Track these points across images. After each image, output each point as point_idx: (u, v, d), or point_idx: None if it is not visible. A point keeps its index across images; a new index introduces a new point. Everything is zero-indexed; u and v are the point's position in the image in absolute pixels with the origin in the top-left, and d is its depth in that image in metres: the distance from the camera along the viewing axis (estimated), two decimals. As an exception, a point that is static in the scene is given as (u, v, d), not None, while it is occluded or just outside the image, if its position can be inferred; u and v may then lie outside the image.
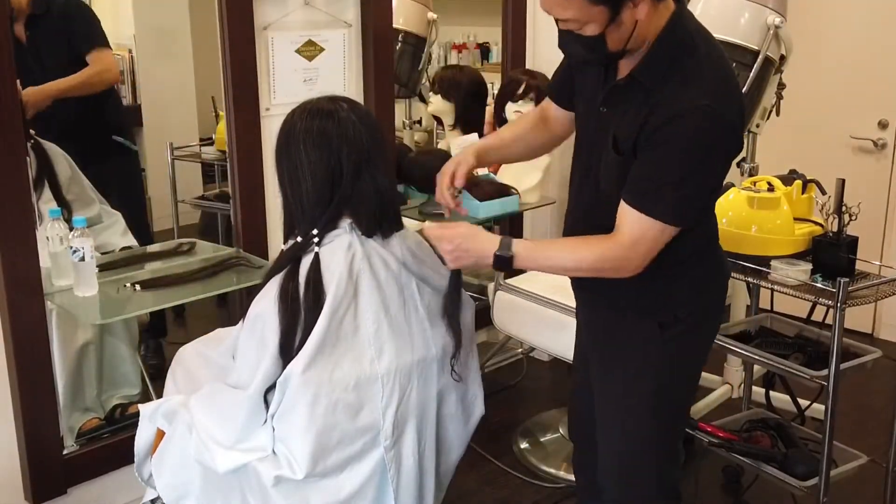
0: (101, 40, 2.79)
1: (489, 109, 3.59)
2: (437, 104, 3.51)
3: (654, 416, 1.84)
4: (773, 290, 2.37)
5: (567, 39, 1.63)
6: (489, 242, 1.68)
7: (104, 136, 2.92)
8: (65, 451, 2.38)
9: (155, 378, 2.65)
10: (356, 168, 1.70)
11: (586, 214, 1.81)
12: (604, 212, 1.68)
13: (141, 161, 3.15)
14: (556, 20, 1.62)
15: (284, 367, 1.65)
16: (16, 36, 2.71)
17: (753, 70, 2.61)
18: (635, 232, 1.61)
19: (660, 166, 1.58)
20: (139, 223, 2.92)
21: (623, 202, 1.62)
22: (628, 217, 1.61)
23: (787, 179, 2.43)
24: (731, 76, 1.66)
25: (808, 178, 2.45)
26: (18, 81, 2.20)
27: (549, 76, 3.33)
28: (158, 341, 3.02)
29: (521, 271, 3.28)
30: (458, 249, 1.69)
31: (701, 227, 1.75)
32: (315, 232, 1.71)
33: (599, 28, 1.57)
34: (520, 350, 3.69)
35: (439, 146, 3.66)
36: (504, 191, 3.05)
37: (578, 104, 1.85)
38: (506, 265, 1.67)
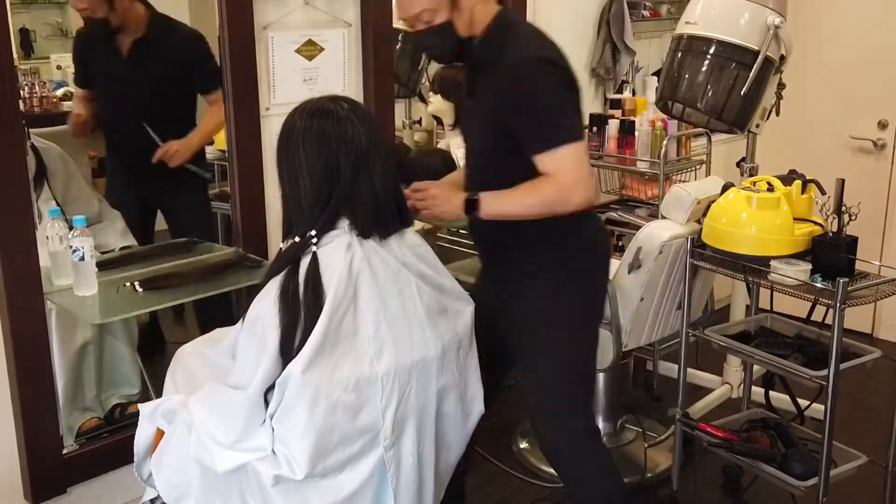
0: (216, 82, 2.65)
1: (489, 109, 3.59)
2: (437, 104, 3.51)
3: (567, 362, 2.14)
4: (772, 289, 2.37)
5: (424, 37, 2.03)
6: (461, 195, 2.05)
7: (179, 167, 2.87)
8: (64, 451, 2.38)
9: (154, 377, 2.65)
10: (354, 168, 1.70)
11: (479, 186, 2.10)
12: (479, 174, 2.12)
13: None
14: (413, 25, 2.01)
15: (284, 367, 1.65)
16: (116, 47, 2.78)
17: (753, 70, 2.61)
18: (557, 166, 1.93)
19: (530, 112, 1.93)
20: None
21: (538, 158, 1.94)
22: (544, 162, 1.93)
23: (787, 179, 2.43)
24: (542, 36, 2.05)
25: (807, 178, 2.45)
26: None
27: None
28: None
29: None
30: (431, 196, 2.06)
31: None
32: (313, 232, 1.71)
33: (447, 14, 1.97)
34: (519, 350, 3.68)
35: (439, 146, 3.66)
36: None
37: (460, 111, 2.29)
38: (474, 206, 2.02)
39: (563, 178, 1.93)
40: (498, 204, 2.03)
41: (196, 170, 2.87)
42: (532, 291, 2.13)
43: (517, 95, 1.93)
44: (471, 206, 2.02)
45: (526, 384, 2.19)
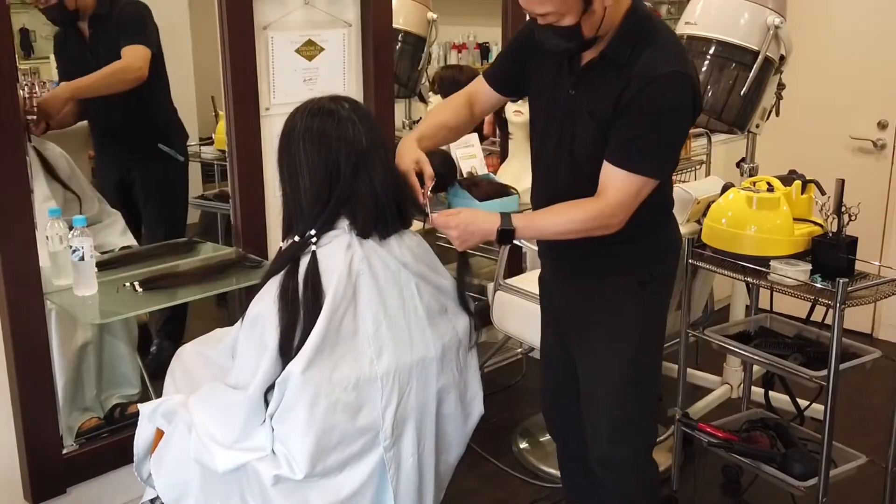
0: (138, 37, 2.66)
1: (489, 109, 3.59)
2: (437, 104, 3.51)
3: (638, 369, 2.03)
4: (772, 290, 2.37)
5: (546, 34, 1.82)
6: (490, 221, 1.86)
7: (149, 142, 2.91)
8: (64, 451, 2.38)
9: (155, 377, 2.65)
10: (355, 168, 1.70)
11: (566, 188, 1.93)
12: (583, 182, 1.88)
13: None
14: (536, 17, 1.80)
15: (284, 367, 1.65)
16: (80, 33, 2.79)
17: (753, 70, 2.61)
18: (621, 190, 1.80)
19: (643, 128, 1.78)
20: (174, 233, 2.89)
21: (608, 165, 1.81)
22: (613, 178, 1.81)
23: (787, 180, 2.43)
24: (683, 47, 1.97)
25: (807, 178, 2.45)
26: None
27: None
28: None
29: (520, 270, 3.28)
30: (465, 232, 1.85)
31: (662, 190, 1.93)
32: (313, 232, 1.71)
33: (576, 18, 1.76)
34: (519, 350, 3.69)
35: (439, 146, 3.65)
36: (503, 191, 3.05)
37: (536, 94, 2.04)
38: (508, 238, 1.86)
39: (614, 199, 1.80)
40: (536, 227, 1.91)
41: (168, 150, 2.87)
42: (609, 293, 2.00)
43: (643, 103, 1.77)
44: (504, 236, 1.85)
45: (590, 394, 2.08)
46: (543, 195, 2.03)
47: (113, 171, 2.98)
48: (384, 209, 1.75)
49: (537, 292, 2.79)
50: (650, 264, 2.00)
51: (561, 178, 1.97)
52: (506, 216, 1.86)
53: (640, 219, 1.87)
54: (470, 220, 1.86)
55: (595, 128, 1.85)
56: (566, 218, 1.86)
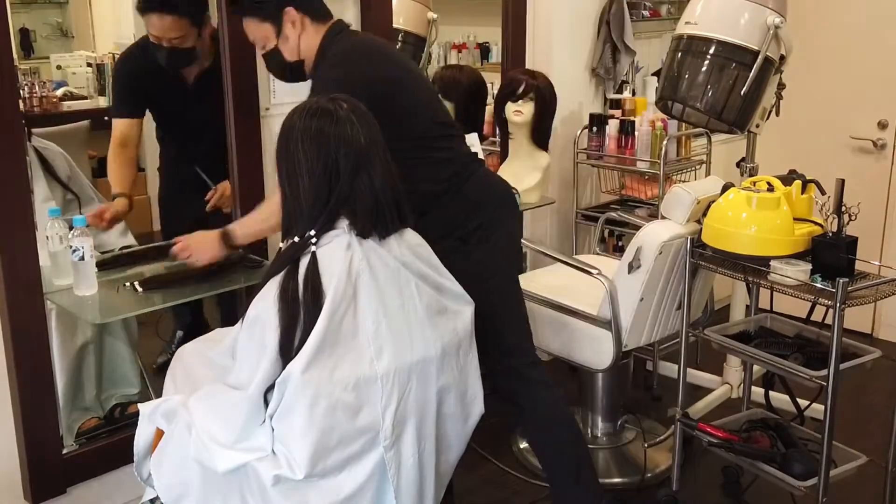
0: None
1: (489, 109, 3.59)
2: (437, 104, 3.51)
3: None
4: (772, 290, 2.37)
5: (265, 59, 2.27)
6: (211, 232, 2.26)
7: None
8: (64, 451, 2.38)
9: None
10: (354, 168, 1.70)
11: None
12: None
13: (141, 161, 3.15)
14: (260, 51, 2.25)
15: (284, 367, 1.65)
16: (183, 76, 2.79)
17: (753, 70, 2.61)
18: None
19: None
20: None
21: None
22: None
23: (787, 179, 2.43)
24: (350, 51, 2.18)
25: (807, 178, 2.45)
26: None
27: (549, 76, 3.35)
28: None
29: (520, 270, 3.27)
30: (190, 248, 2.28)
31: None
32: (312, 232, 1.71)
33: (272, 43, 2.20)
34: (519, 350, 3.68)
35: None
36: (504, 191, 3.05)
37: None
38: (230, 238, 2.25)
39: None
40: (248, 227, 2.27)
41: (204, 176, 2.85)
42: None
43: None
44: (226, 238, 2.25)
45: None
46: None
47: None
48: (384, 208, 1.75)
49: (538, 292, 2.80)
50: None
51: None
52: (227, 230, 2.26)
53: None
54: (194, 237, 2.29)
55: None
56: (268, 219, 2.21)
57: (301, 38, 2.17)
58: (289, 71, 2.25)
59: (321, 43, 2.19)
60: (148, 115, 2.94)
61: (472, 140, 3.19)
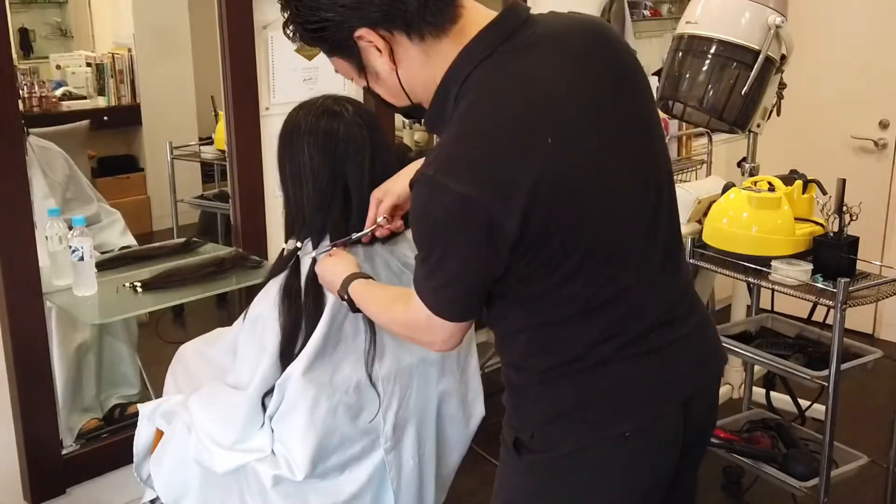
0: None
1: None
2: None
3: None
4: (773, 290, 2.36)
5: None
6: (339, 275, 1.57)
7: None
8: (64, 451, 2.38)
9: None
10: (359, 172, 1.68)
11: None
12: None
13: (141, 161, 3.14)
14: None
15: (284, 369, 1.64)
16: None
17: (754, 70, 2.60)
18: (416, 311, 1.33)
19: (417, 244, 1.28)
20: None
21: None
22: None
23: (788, 179, 2.42)
24: (488, 133, 1.19)
25: (808, 178, 2.44)
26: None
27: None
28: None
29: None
30: (321, 277, 1.63)
31: (539, 329, 1.33)
32: (315, 235, 1.70)
33: (360, 79, 1.31)
34: (520, 350, 3.67)
35: (439, 146, 3.64)
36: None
37: None
38: (350, 304, 1.56)
39: (421, 328, 1.36)
40: (365, 298, 1.53)
41: None
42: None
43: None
44: (343, 286, 1.55)
45: None
46: None
47: None
48: (386, 211, 1.73)
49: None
50: (534, 421, 1.39)
51: None
52: (352, 278, 1.54)
53: (517, 351, 1.37)
54: (325, 267, 1.62)
55: None
56: (388, 312, 1.47)
57: (401, 70, 1.26)
58: (402, 112, 1.38)
59: (446, 77, 1.24)
60: (151, 115, 2.94)
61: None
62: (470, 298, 1.30)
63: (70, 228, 2.24)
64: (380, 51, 1.24)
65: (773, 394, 2.77)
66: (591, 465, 1.36)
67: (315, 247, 1.69)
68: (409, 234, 1.80)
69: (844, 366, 2.22)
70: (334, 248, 1.64)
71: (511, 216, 1.16)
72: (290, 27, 1.31)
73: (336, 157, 1.66)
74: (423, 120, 1.33)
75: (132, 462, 1.92)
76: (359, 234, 1.66)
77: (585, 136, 1.23)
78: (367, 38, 1.23)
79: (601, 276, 1.27)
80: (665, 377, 1.36)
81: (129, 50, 3.27)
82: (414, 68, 1.26)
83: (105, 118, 3.34)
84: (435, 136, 1.52)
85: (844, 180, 2.29)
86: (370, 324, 1.68)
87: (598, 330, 1.30)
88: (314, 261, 1.67)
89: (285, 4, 1.30)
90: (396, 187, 1.62)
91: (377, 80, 1.30)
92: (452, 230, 1.20)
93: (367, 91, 1.34)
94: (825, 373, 2.21)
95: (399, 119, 3.79)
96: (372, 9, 1.20)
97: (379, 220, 1.64)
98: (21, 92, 3.06)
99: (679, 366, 1.37)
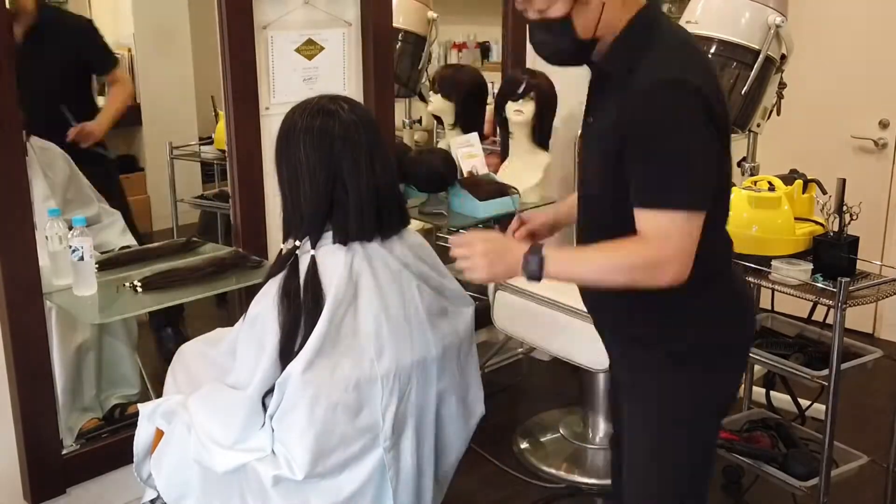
0: (115, 60, 2.89)
1: (489, 108, 3.58)
2: (437, 103, 3.50)
3: (664, 471, 1.69)
4: (773, 289, 2.36)
5: (535, 31, 1.59)
6: (518, 249, 1.56)
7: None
8: (64, 451, 2.38)
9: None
10: (356, 170, 1.69)
11: (585, 237, 1.70)
12: (595, 232, 1.62)
13: (141, 161, 3.14)
14: (526, 15, 1.58)
15: (284, 368, 1.64)
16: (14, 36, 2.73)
17: (754, 70, 2.61)
18: (659, 231, 1.47)
19: (651, 155, 1.47)
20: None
21: (636, 211, 1.50)
22: (645, 220, 1.49)
23: (788, 179, 2.42)
24: (692, 51, 1.58)
25: (808, 177, 2.44)
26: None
27: (550, 75, 3.34)
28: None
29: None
30: (485, 255, 1.55)
31: (705, 247, 1.51)
32: (314, 235, 1.70)
33: (566, 7, 1.51)
34: (520, 350, 3.68)
35: (439, 145, 3.65)
36: (504, 190, 3.05)
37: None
38: (536, 277, 1.54)
39: (659, 247, 1.47)
40: (569, 264, 1.57)
41: (104, 151, 2.91)
42: (634, 367, 1.72)
43: (640, 124, 1.48)
44: (530, 256, 1.53)
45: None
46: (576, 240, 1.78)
47: None
48: (385, 210, 1.74)
49: (538, 292, 2.79)
50: (687, 332, 1.63)
51: (581, 224, 1.73)
52: (538, 254, 1.53)
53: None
54: (497, 244, 1.58)
55: (602, 162, 1.57)
56: (613, 258, 1.53)
57: (606, 6, 1.52)
58: (571, 52, 1.58)
59: (632, 21, 1.55)
60: (151, 115, 2.97)
61: (472, 139, 3.19)
62: (711, 181, 1.54)
63: (70, 228, 2.24)
64: None
65: (773, 393, 2.77)
66: (735, 360, 1.74)
67: (313, 246, 1.69)
68: (406, 234, 1.80)
69: (844, 365, 2.22)
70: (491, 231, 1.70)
71: (715, 107, 1.50)
72: None
73: (332, 156, 1.67)
74: (570, 53, 1.59)
75: (132, 462, 1.92)
76: None
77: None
78: None
79: (726, 191, 1.66)
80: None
81: (130, 50, 3.28)
82: (615, 7, 1.54)
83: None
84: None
85: (844, 180, 2.29)
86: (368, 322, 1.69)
87: (724, 245, 1.69)
88: (314, 257, 1.67)
89: None
90: (541, 217, 1.85)
91: (584, 9, 1.52)
92: (697, 124, 1.47)
93: (546, 23, 1.55)
94: (825, 372, 2.21)
95: (399, 119, 3.80)
96: None
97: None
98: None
99: None
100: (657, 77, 1.47)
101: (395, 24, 3.15)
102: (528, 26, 1.62)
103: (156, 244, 2.73)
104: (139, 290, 2.29)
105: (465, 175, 3.10)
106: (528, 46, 3.55)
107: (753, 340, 1.77)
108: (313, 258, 1.68)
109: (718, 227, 1.64)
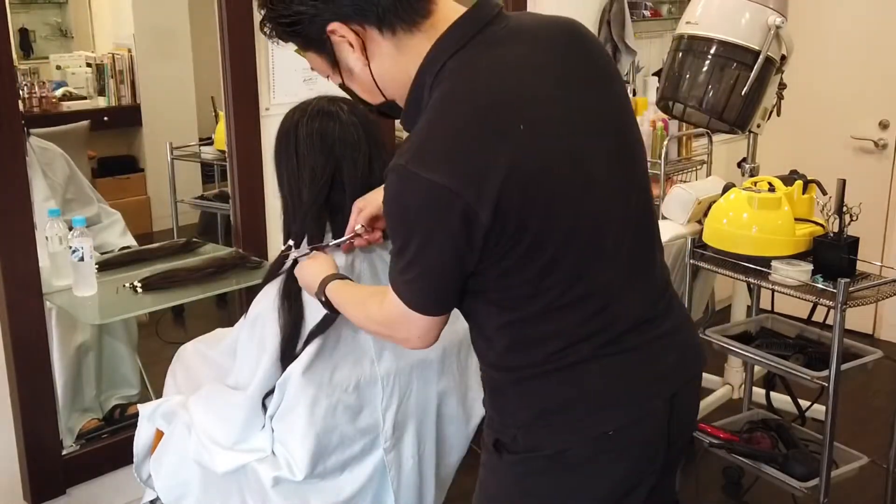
0: None
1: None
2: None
3: None
4: (773, 290, 2.36)
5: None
6: (316, 276, 1.57)
7: None
8: (64, 452, 2.38)
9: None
10: (355, 172, 1.68)
11: None
12: None
13: (141, 161, 3.14)
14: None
15: (284, 368, 1.64)
16: None
17: (754, 70, 2.60)
18: (391, 306, 1.31)
19: (392, 237, 1.27)
20: None
21: None
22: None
23: (788, 180, 2.42)
24: (459, 121, 1.19)
25: (808, 178, 2.44)
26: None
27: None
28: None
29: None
30: (300, 277, 1.63)
31: (522, 326, 1.29)
32: (314, 234, 1.70)
33: (335, 76, 1.31)
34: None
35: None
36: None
37: None
38: (322, 289, 1.55)
39: (395, 325, 1.35)
40: (341, 297, 1.52)
41: None
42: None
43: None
44: (321, 287, 1.54)
45: None
46: None
47: None
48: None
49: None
50: (515, 422, 1.35)
51: None
52: (329, 279, 1.54)
53: (495, 351, 1.35)
54: (304, 269, 1.61)
55: None
56: (364, 310, 1.45)
57: (374, 65, 1.26)
58: (378, 113, 1.41)
59: (421, 68, 1.24)
60: (151, 115, 2.95)
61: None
62: (445, 291, 1.27)
63: (70, 229, 2.24)
64: (352, 46, 1.24)
65: (773, 394, 2.77)
66: (572, 466, 1.33)
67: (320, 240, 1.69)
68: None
69: (844, 366, 2.22)
70: (313, 252, 1.63)
71: (484, 205, 1.15)
72: (267, 24, 1.30)
73: (332, 158, 1.67)
74: (399, 119, 1.33)
75: (132, 462, 1.92)
76: (337, 241, 1.65)
77: (558, 126, 1.22)
78: (340, 33, 1.23)
79: (578, 271, 1.25)
80: (649, 373, 1.33)
81: (129, 50, 3.28)
82: (387, 63, 1.26)
83: (105, 119, 3.35)
84: None
85: (844, 180, 2.29)
86: None
87: (577, 327, 1.28)
88: (295, 263, 1.66)
89: (261, 1, 1.29)
90: (378, 197, 1.53)
91: (351, 77, 1.30)
92: (425, 220, 1.19)
93: (342, 89, 1.35)
94: (825, 373, 2.21)
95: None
96: (344, 2, 1.21)
97: (357, 228, 1.63)
98: (21, 92, 3.06)
99: (663, 361, 1.35)
100: (395, 161, 1.20)
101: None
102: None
103: (156, 245, 2.73)
104: (139, 290, 2.29)
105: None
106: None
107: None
108: (296, 263, 1.67)
109: (542, 317, 1.28)
